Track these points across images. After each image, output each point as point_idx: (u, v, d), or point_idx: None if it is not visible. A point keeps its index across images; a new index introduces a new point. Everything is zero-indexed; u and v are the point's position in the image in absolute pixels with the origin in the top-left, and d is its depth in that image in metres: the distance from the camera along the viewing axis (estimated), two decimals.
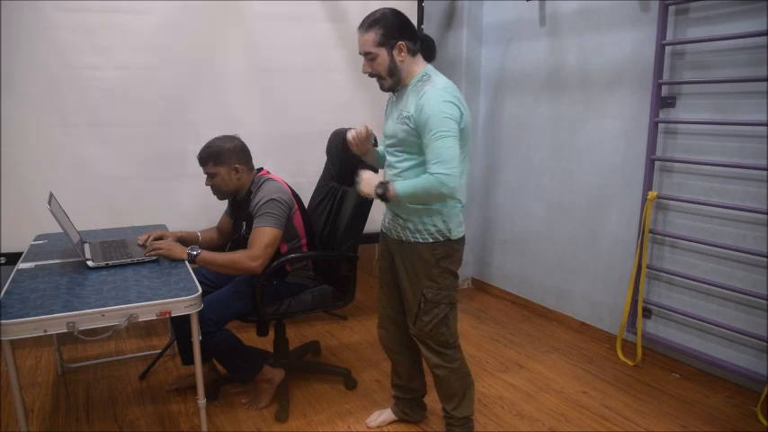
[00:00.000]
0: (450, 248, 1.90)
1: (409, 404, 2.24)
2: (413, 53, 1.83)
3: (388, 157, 1.92)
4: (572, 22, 3.05)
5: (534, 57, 3.30)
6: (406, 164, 1.84)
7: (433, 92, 1.74)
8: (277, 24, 2.88)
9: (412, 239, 1.88)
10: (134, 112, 2.72)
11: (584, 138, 3.05)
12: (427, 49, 1.88)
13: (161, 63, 2.71)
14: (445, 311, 1.92)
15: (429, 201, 1.82)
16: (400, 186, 1.79)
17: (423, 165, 1.78)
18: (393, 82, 1.83)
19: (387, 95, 1.96)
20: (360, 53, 1.83)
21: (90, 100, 2.64)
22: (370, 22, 1.79)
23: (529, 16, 3.30)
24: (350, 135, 1.91)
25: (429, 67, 1.87)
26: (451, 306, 1.94)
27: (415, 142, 1.79)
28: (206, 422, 1.90)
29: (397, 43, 1.78)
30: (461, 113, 1.75)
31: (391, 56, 1.79)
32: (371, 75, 1.84)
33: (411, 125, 1.77)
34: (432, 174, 1.71)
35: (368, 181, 1.86)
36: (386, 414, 2.26)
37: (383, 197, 1.82)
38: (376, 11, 1.81)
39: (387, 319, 2.11)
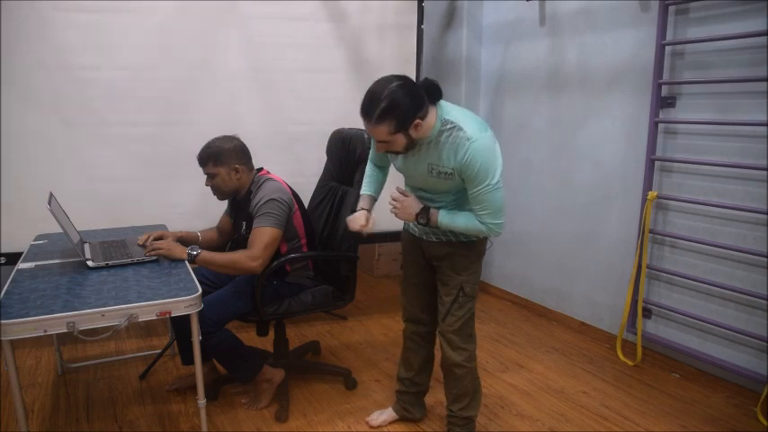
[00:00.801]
0: (484, 245, 1.95)
1: (412, 400, 2.24)
2: (425, 115, 1.67)
3: (419, 193, 1.88)
4: (572, 22, 3.05)
5: (534, 57, 3.30)
6: (447, 198, 1.84)
7: (480, 145, 1.66)
8: (277, 24, 2.88)
9: (454, 239, 1.89)
10: (134, 112, 2.72)
11: (584, 138, 3.05)
12: (432, 93, 1.70)
13: (161, 63, 2.71)
14: (474, 306, 1.96)
15: (469, 235, 1.85)
16: (444, 218, 1.79)
17: (462, 192, 1.79)
18: (410, 147, 1.72)
19: None
20: (372, 136, 1.71)
21: (90, 100, 2.64)
22: (379, 114, 1.60)
23: (529, 16, 3.30)
24: (359, 227, 1.93)
25: (444, 109, 1.72)
26: (476, 299, 1.99)
27: (459, 186, 1.77)
28: (206, 422, 1.90)
29: (412, 124, 1.64)
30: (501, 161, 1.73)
31: (408, 136, 1.66)
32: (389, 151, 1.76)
33: (455, 179, 1.73)
34: (482, 223, 1.74)
35: (407, 208, 1.83)
36: (387, 413, 2.27)
37: (425, 226, 1.85)
38: (381, 92, 1.60)
39: (413, 315, 2.13)
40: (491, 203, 1.71)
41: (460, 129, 1.68)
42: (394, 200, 1.87)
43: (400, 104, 1.60)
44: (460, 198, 1.83)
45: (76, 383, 2.58)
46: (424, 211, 1.81)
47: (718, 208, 2.48)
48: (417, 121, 1.64)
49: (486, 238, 1.91)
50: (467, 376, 2.01)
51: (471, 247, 1.90)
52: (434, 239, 1.92)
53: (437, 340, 2.08)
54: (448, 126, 1.70)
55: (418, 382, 2.22)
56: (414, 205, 1.83)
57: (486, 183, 1.68)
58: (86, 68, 2.61)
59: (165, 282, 1.83)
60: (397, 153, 1.76)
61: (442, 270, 1.95)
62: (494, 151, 1.70)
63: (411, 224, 2.01)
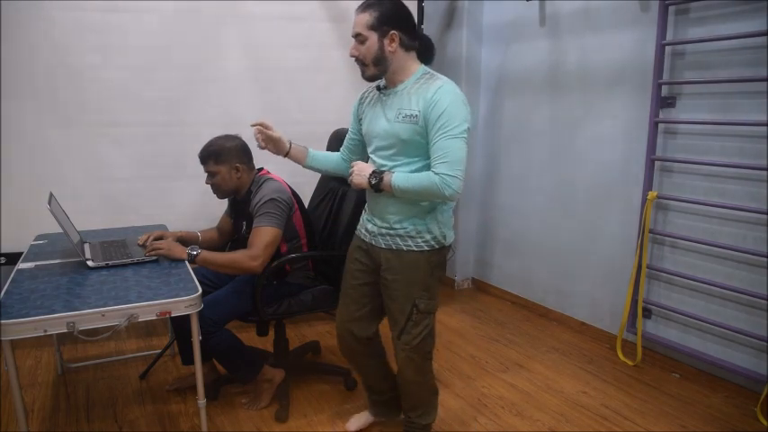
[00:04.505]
0: (443, 256, 1.84)
1: (385, 404, 2.16)
2: (407, 48, 1.72)
3: (380, 162, 1.79)
4: (572, 22, 3.05)
5: (534, 57, 3.30)
6: (406, 168, 1.73)
7: (449, 88, 1.66)
8: (277, 24, 2.88)
9: (405, 248, 1.78)
10: (134, 112, 2.72)
11: (584, 138, 3.05)
12: (425, 50, 1.78)
13: (161, 63, 2.71)
14: (432, 322, 1.87)
15: (425, 199, 1.73)
16: (398, 178, 1.69)
17: (421, 168, 1.71)
18: (376, 72, 1.73)
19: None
20: (352, 35, 1.72)
21: (90, 100, 2.64)
22: (367, 4, 1.69)
23: (529, 16, 3.30)
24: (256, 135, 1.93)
25: (428, 68, 1.78)
26: (434, 315, 1.89)
27: (419, 143, 1.69)
28: (206, 422, 1.90)
29: (390, 32, 1.68)
30: (470, 119, 1.69)
31: (381, 43, 1.68)
32: (356, 60, 1.73)
33: (420, 123, 1.66)
34: (436, 173, 1.63)
35: (361, 170, 1.76)
36: (364, 417, 2.21)
37: (377, 187, 1.72)
38: None
39: (345, 331, 2.01)
40: (450, 152, 1.62)
41: (438, 78, 1.71)
42: (351, 167, 1.81)
43: (388, 5, 1.69)
44: (419, 170, 1.73)
45: (76, 383, 2.58)
46: (377, 172, 1.73)
47: (718, 208, 2.48)
48: (395, 33, 1.68)
49: (444, 248, 1.81)
50: (423, 389, 1.95)
51: (421, 257, 1.78)
52: (383, 245, 1.82)
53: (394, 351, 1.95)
54: (427, 76, 1.73)
55: (384, 389, 2.12)
56: (367, 167, 1.76)
57: (448, 127, 1.62)
58: (86, 68, 2.61)
59: (165, 282, 1.83)
60: (363, 69, 1.73)
61: (388, 283, 1.83)
62: (463, 101, 1.67)
63: (362, 229, 1.94)
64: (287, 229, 2.25)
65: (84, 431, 2.21)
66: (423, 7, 3.15)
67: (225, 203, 2.50)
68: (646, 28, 2.66)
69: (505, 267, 3.71)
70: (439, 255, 1.82)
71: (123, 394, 2.48)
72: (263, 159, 2.42)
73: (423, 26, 3.18)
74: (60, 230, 1.97)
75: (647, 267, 2.74)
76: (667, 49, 2.58)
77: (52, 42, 2.54)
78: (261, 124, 1.98)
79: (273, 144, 2.00)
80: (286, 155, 2.03)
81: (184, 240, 2.28)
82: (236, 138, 2.29)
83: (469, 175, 3.74)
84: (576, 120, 3.09)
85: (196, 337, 1.77)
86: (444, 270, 1.87)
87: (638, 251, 2.73)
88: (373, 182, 1.72)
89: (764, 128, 2.28)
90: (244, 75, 2.87)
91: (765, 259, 2.33)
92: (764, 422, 2.27)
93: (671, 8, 2.55)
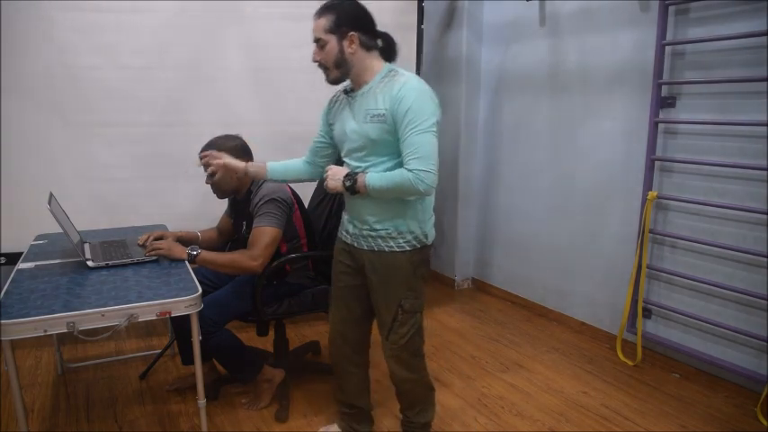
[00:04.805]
0: (426, 254, 1.83)
1: (356, 419, 2.11)
2: (368, 48, 1.71)
3: (354, 164, 1.77)
4: (572, 22, 3.05)
5: (534, 57, 3.30)
6: (379, 168, 1.72)
7: (414, 84, 1.65)
8: (277, 24, 2.88)
9: (387, 249, 1.77)
10: (134, 112, 2.72)
11: (584, 138, 3.05)
12: (387, 48, 1.77)
13: (161, 63, 2.71)
14: (420, 320, 1.86)
15: (400, 196, 1.71)
16: (371, 178, 1.67)
17: (394, 166, 1.69)
18: (339, 75, 1.72)
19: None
20: (313, 41, 1.71)
21: (90, 100, 2.64)
22: (324, 8, 1.69)
23: (529, 16, 3.30)
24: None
25: (392, 66, 1.76)
26: (422, 313, 1.88)
27: (389, 142, 1.68)
28: (206, 422, 1.90)
29: (348, 33, 1.67)
30: (439, 113, 1.69)
31: (341, 45, 1.68)
32: (319, 64, 1.73)
33: (388, 122, 1.65)
34: (409, 170, 1.61)
35: (335, 174, 1.74)
36: (333, 430, 2.16)
37: (352, 189, 1.70)
38: None
39: (338, 335, 2.00)
40: (420, 146, 1.60)
41: (402, 75, 1.70)
42: (326, 171, 1.80)
43: (345, 7, 1.69)
44: (392, 169, 1.72)
45: (76, 383, 2.58)
46: (351, 174, 1.71)
47: (718, 208, 2.48)
48: (354, 34, 1.67)
49: (426, 247, 1.81)
50: (416, 387, 1.93)
51: (404, 258, 1.77)
52: (365, 247, 1.80)
53: (383, 357, 1.93)
54: (392, 74, 1.72)
55: (357, 405, 2.08)
56: (341, 171, 1.74)
57: (416, 123, 1.61)
58: (86, 68, 2.61)
59: (165, 282, 1.83)
60: (326, 73, 1.73)
61: (373, 285, 1.83)
62: (429, 95, 1.66)
63: (343, 231, 1.92)
64: (287, 229, 2.25)
65: (84, 431, 2.21)
66: (423, 7, 3.15)
67: (225, 203, 2.50)
68: (646, 28, 2.66)
69: (505, 267, 3.71)
70: (421, 253, 1.81)
71: (123, 394, 2.48)
72: (263, 159, 2.42)
73: (423, 26, 3.18)
74: (60, 230, 1.97)
75: (647, 267, 2.74)
76: (667, 49, 2.58)
77: (52, 42, 2.54)
78: (208, 155, 2.09)
79: (225, 170, 2.07)
80: (246, 175, 2.09)
81: (184, 240, 2.28)
82: (236, 137, 2.29)
83: (469, 175, 3.78)
84: (575, 120, 3.09)
85: (196, 337, 1.77)
86: (428, 268, 1.86)
87: (638, 251, 2.73)
88: (348, 184, 1.71)
89: (764, 128, 2.28)
90: (244, 75, 2.87)
91: (765, 259, 2.32)
92: (764, 422, 2.27)
93: (671, 8, 2.55)
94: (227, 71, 2.84)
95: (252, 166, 2.04)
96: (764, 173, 2.30)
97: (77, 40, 2.57)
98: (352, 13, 1.70)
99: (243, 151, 2.28)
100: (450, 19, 3.68)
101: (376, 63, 1.74)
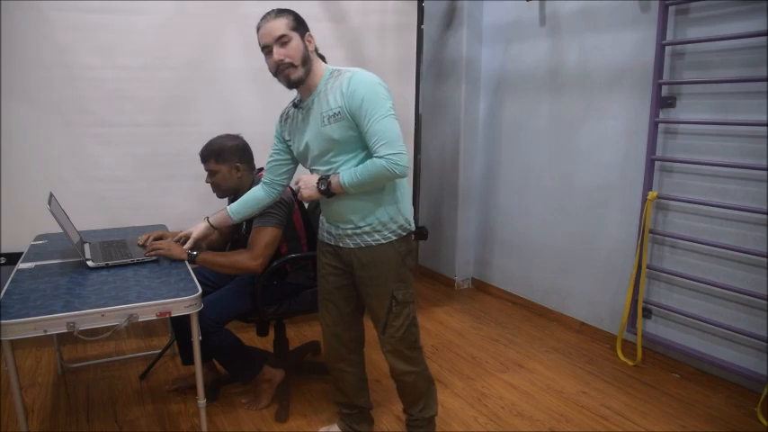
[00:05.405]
0: (411, 243, 1.85)
1: (356, 419, 2.12)
2: (315, 51, 1.79)
3: (323, 169, 1.79)
4: (572, 22, 3.05)
5: (534, 57, 3.30)
6: (349, 165, 1.74)
7: (360, 76, 1.69)
8: None
9: (373, 243, 1.78)
10: (134, 112, 2.72)
11: (584, 138, 3.05)
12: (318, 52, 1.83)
13: (161, 63, 2.71)
14: (413, 311, 1.87)
15: (379, 185, 1.74)
16: (345, 176, 1.69)
17: (364, 158, 1.72)
18: (303, 73, 1.73)
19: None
20: (267, 43, 1.70)
21: (90, 100, 2.64)
22: (279, 11, 1.72)
23: (529, 16, 3.30)
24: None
25: (332, 66, 1.81)
26: (414, 303, 1.89)
27: (353, 137, 1.70)
28: (206, 422, 1.90)
29: (306, 33, 1.74)
30: (391, 95, 1.71)
31: (304, 42, 1.72)
32: (282, 65, 1.70)
33: (347, 117, 1.68)
34: (380, 157, 1.64)
35: (307, 182, 1.76)
36: (333, 430, 2.16)
37: (328, 192, 1.73)
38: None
39: (332, 336, 1.99)
40: (384, 132, 1.64)
41: (347, 71, 1.74)
42: (296, 183, 1.82)
43: (295, 12, 1.75)
44: (362, 162, 1.74)
45: (76, 383, 2.58)
46: (323, 178, 1.73)
47: (718, 208, 2.48)
48: (310, 34, 1.76)
49: (407, 237, 1.82)
50: (418, 380, 1.93)
51: (391, 249, 1.79)
52: (352, 245, 1.81)
53: (381, 352, 1.93)
54: (335, 73, 1.76)
55: (356, 404, 2.09)
56: (312, 178, 1.77)
57: (374, 111, 1.64)
58: (86, 68, 2.61)
59: (165, 282, 1.83)
60: (291, 71, 1.72)
61: (364, 281, 1.83)
62: (378, 82, 1.69)
63: (324, 233, 1.91)
64: (287, 230, 2.25)
65: (84, 431, 2.21)
66: (423, 7, 3.15)
67: (225, 203, 2.49)
68: (646, 28, 2.66)
69: (505, 267, 3.71)
70: (406, 242, 1.83)
71: (123, 394, 2.48)
72: (263, 160, 2.43)
73: (423, 26, 3.18)
74: (60, 230, 1.97)
75: (647, 267, 2.75)
76: (667, 49, 2.58)
77: (52, 42, 2.53)
78: (151, 236, 2.16)
79: (168, 255, 2.08)
80: (213, 228, 2.14)
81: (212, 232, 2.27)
82: (237, 137, 2.29)
83: (469, 174, 3.78)
84: (576, 120, 3.09)
85: (196, 337, 1.77)
86: (415, 258, 1.88)
87: (638, 251, 2.73)
88: (323, 188, 1.73)
89: (764, 128, 2.29)
90: (244, 75, 2.87)
91: (765, 259, 2.33)
92: (765, 422, 2.27)
93: (671, 8, 2.55)
94: (227, 71, 2.84)
95: (213, 217, 2.11)
96: (764, 173, 2.30)
97: (77, 41, 2.57)
98: (301, 18, 1.76)
99: (243, 151, 2.28)
100: (449, 19, 3.68)
101: (320, 65, 1.80)
